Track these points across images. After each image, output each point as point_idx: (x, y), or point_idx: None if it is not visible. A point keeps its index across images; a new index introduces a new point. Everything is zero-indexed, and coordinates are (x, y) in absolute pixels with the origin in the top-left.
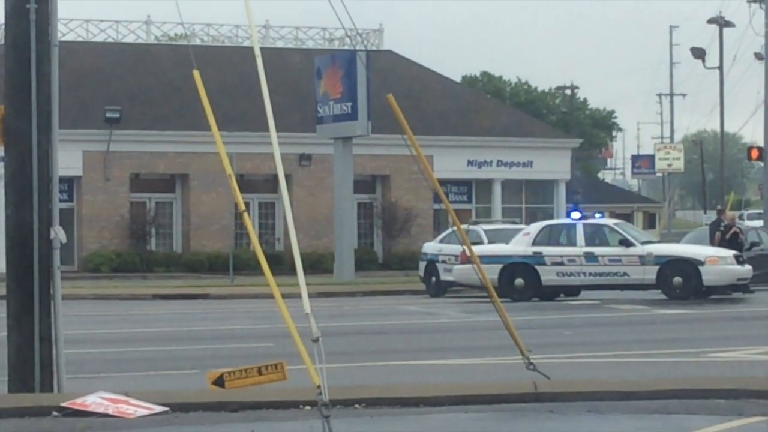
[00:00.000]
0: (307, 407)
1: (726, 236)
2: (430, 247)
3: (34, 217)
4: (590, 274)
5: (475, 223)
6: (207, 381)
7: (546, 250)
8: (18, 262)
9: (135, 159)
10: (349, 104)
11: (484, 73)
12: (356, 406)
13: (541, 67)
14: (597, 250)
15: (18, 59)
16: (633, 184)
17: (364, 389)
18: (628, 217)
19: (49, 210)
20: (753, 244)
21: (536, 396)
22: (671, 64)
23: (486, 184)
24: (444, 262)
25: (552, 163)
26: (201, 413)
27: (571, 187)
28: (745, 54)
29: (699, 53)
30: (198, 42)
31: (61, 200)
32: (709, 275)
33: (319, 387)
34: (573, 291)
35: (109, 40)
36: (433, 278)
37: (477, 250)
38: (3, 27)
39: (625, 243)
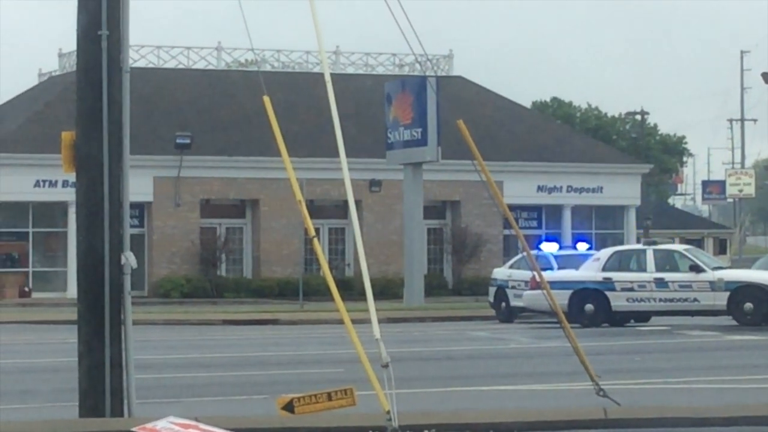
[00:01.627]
0: None
1: None
2: (500, 272)
3: (105, 243)
4: (660, 300)
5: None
6: (276, 406)
7: (616, 275)
8: (89, 287)
9: (205, 185)
10: (419, 130)
11: (554, 99)
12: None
13: (611, 93)
14: (667, 276)
15: (89, 85)
16: (704, 209)
17: (433, 415)
18: (698, 243)
19: (119, 235)
20: None
21: (606, 422)
22: (742, 89)
23: (556, 210)
24: (514, 287)
25: (622, 188)
26: None
27: (642, 213)
28: None
29: None
30: (268, 68)
31: (131, 226)
32: None
33: (388, 412)
34: (643, 317)
35: (180, 66)
36: (503, 304)
37: (547, 275)
38: (75, 52)
39: (695, 269)
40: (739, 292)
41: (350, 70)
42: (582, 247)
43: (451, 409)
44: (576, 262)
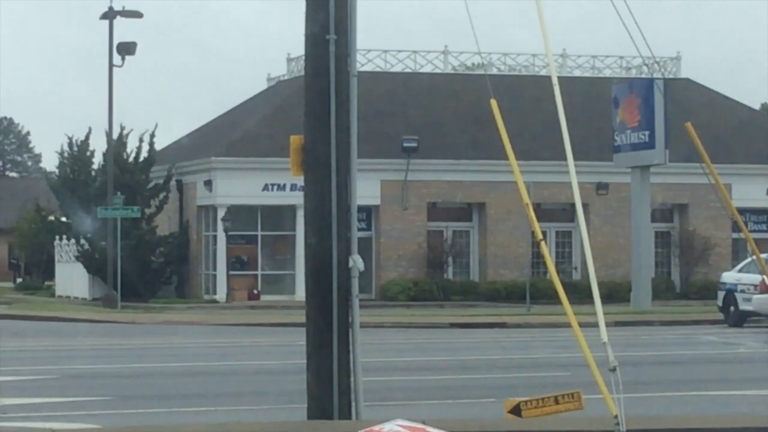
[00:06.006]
0: None
1: None
2: (729, 276)
3: (333, 246)
4: None
5: None
6: (504, 410)
7: None
8: (317, 290)
9: (432, 188)
10: (647, 133)
11: None
12: None
13: None
14: None
15: (318, 89)
16: None
17: (661, 420)
18: None
19: (347, 239)
20: None
21: None
22: None
23: None
24: (743, 291)
25: None
26: None
27: None
28: None
29: None
30: (495, 71)
31: (359, 229)
32: None
33: (616, 417)
34: None
35: (407, 70)
36: (732, 308)
37: None
38: (304, 57)
39: None
40: None
41: (577, 73)
42: None
43: (680, 414)
44: None
